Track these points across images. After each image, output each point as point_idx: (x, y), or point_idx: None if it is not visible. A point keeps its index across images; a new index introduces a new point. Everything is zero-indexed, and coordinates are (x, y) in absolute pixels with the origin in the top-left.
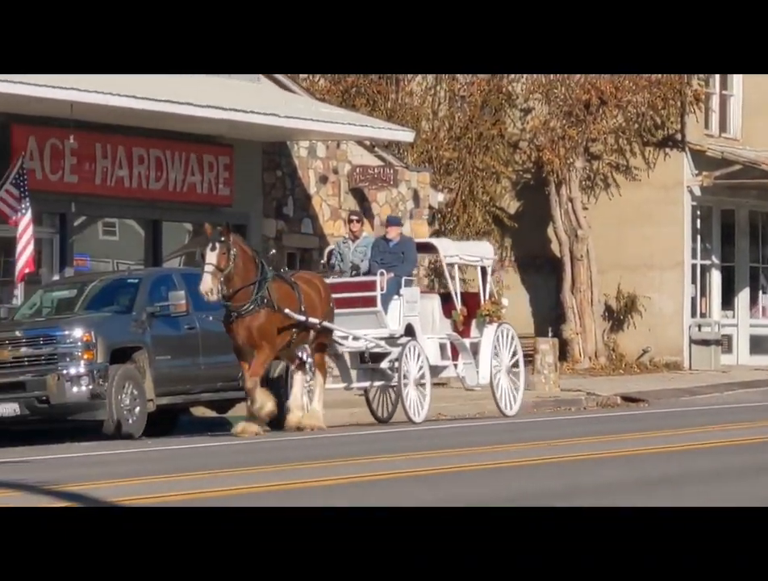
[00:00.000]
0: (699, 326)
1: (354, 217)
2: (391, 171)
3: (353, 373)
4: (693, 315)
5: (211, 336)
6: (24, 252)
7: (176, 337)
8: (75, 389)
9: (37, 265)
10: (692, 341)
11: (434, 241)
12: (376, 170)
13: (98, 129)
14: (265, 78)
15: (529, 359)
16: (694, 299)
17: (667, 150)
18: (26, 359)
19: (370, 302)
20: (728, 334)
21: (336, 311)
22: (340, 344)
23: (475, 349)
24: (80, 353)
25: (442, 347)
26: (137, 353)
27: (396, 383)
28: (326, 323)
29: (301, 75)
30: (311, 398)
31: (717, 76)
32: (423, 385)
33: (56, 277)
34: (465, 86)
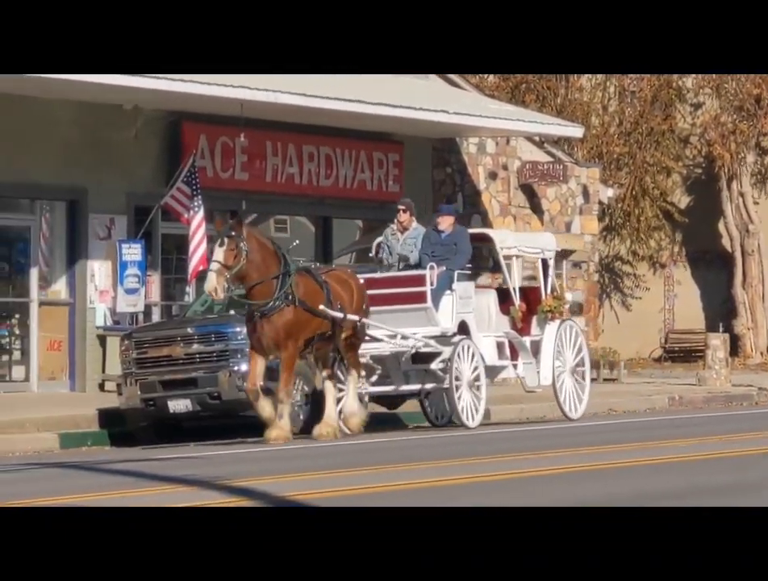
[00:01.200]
0: None
1: (401, 206)
2: (561, 167)
3: (403, 374)
4: None
5: None
6: (197, 250)
7: None
8: (246, 384)
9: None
10: None
11: (490, 232)
12: (545, 166)
13: (268, 127)
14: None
15: (700, 354)
16: None
17: None
18: (197, 356)
19: (419, 297)
20: None
21: (383, 307)
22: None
23: (536, 348)
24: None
25: (499, 346)
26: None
27: (448, 385)
28: (366, 320)
29: None
30: (346, 398)
31: None
32: (478, 387)
33: None
34: (635, 81)
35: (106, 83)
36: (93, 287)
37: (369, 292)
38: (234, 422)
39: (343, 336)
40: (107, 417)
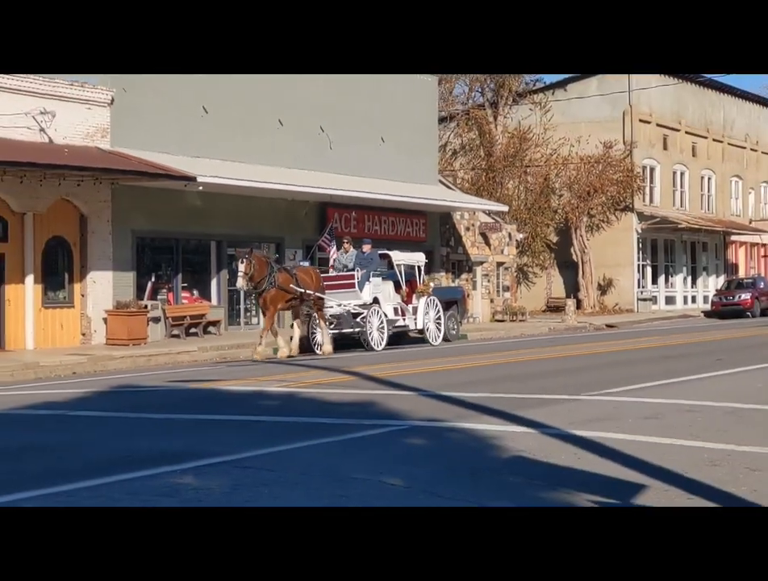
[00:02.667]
0: (642, 291)
1: (345, 240)
2: (498, 224)
3: (348, 323)
4: (638, 286)
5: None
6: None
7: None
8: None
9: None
10: (638, 299)
11: (389, 252)
12: (491, 224)
13: (357, 207)
14: None
15: (562, 308)
16: (639, 279)
17: None
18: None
19: (351, 285)
20: (655, 295)
21: (335, 291)
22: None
23: (415, 310)
24: None
25: (395, 310)
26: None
27: (365, 329)
28: (317, 294)
29: None
30: (323, 337)
31: None
32: (382, 330)
33: None
34: (532, 180)
35: (295, 190)
36: None
37: (327, 283)
38: (352, 341)
39: (311, 302)
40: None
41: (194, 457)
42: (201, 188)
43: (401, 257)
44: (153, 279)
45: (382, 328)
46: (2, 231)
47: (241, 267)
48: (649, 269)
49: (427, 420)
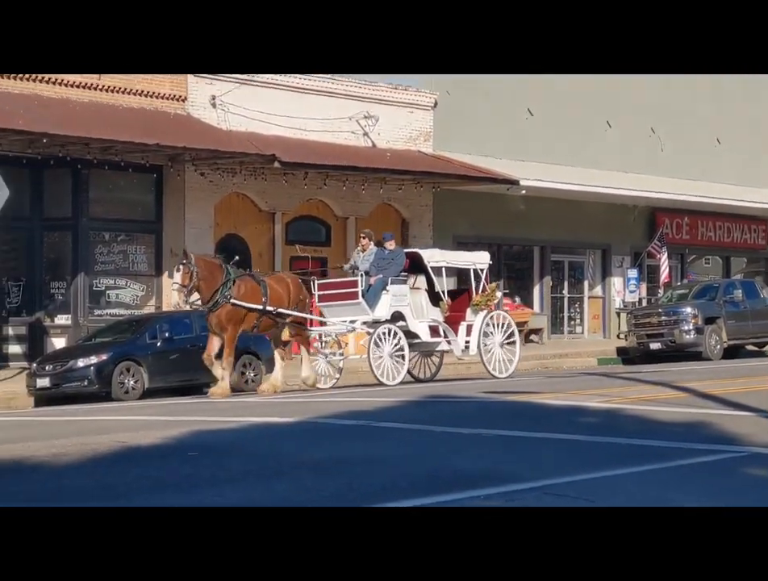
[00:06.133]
0: None
1: (363, 235)
2: None
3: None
4: None
5: (761, 311)
6: (662, 272)
7: (738, 312)
8: (687, 336)
9: (672, 279)
10: None
11: (419, 251)
12: None
13: (692, 213)
14: None
15: None
16: None
17: None
18: (664, 322)
19: (354, 295)
20: None
21: (331, 303)
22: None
23: (470, 330)
24: (690, 319)
25: (433, 328)
26: (717, 320)
27: (369, 356)
28: (280, 310)
29: None
30: (303, 367)
31: None
32: (401, 356)
33: (678, 284)
34: None
35: (624, 194)
36: (614, 289)
37: (326, 292)
38: (682, 354)
39: (288, 321)
40: (620, 351)
41: (501, 482)
42: (524, 192)
43: (440, 257)
44: None
45: (401, 353)
46: (325, 235)
47: (177, 277)
48: None
49: None
